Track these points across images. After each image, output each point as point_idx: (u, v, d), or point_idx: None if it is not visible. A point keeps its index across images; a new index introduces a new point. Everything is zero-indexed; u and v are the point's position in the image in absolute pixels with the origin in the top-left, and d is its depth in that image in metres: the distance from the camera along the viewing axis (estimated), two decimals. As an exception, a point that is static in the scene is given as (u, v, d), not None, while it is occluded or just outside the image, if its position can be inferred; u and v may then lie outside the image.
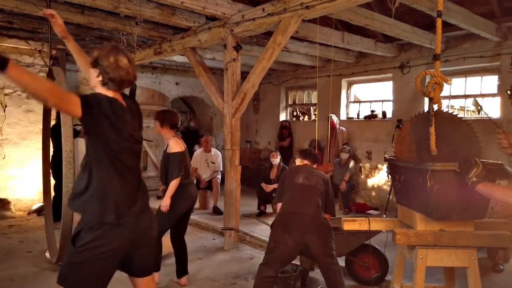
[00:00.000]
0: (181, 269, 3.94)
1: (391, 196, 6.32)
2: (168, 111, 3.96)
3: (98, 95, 1.98)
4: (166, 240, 5.25)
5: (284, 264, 3.26)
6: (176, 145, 3.76)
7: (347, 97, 8.60)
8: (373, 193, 7.82)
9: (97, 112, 1.89)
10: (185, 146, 3.87)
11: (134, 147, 2.12)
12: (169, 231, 3.93)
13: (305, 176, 3.42)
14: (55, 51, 7.12)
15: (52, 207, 6.09)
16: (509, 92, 2.75)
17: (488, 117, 3.08)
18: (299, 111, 10.36)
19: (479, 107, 2.62)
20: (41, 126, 7.62)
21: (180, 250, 3.95)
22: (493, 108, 6.75)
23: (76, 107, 1.80)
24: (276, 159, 6.80)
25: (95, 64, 2.01)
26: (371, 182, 7.87)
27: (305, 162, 3.65)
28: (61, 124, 2.22)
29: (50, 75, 2.80)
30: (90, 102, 1.86)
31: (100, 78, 2.02)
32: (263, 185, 6.75)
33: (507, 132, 2.27)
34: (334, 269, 3.14)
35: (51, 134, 6.10)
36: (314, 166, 3.67)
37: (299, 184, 3.39)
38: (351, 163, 7.43)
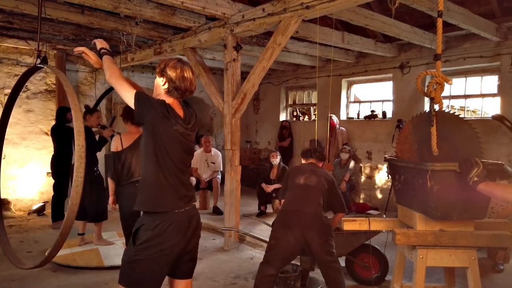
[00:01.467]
0: None
1: (391, 196, 6.32)
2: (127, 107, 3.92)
3: (151, 97, 2.20)
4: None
5: (285, 262, 3.26)
6: (112, 144, 3.82)
7: (347, 97, 8.60)
8: (373, 193, 7.82)
9: (147, 103, 2.10)
10: (129, 144, 3.85)
11: (184, 143, 2.20)
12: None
13: (308, 175, 3.44)
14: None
15: (52, 207, 6.10)
16: None
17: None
18: (299, 111, 10.36)
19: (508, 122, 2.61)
20: (41, 126, 7.66)
21: None
22: (493, 108, 6.76)
23: (130, 95, 2.11)
24: (276, 159, 6.80)
25: (162, 73, 2.20)
26: (371, 182, 7.87)
27: (310, 160, 3.67)
28: (73, 120, 2.26)
29: (28, 73, 2.82)
30: (141, 94, 2.13)
31: (166, 86, 2.20)
32: (263, 185, 6.75)
33: None
34: (334, 267, 3.14)
35: (51, 134, 6.11)
36: (320, 165, 3.68)
37: (301, 183, 3.41)
38: (351, 163, 7.42)
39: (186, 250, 2.19)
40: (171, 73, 2.17)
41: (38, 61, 2.68)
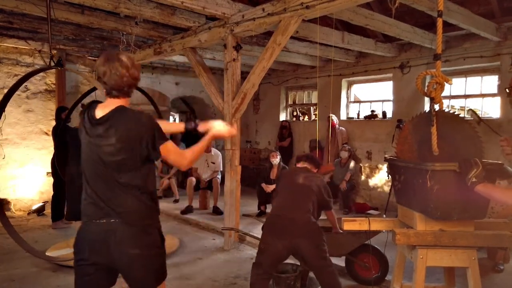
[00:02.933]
0: None
1: (391, 196, 6.32)
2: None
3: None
4: (166, 240, 5.26)
5: (275, 264, 3.29)
6: None
7: (347, 97, 8.60)
8: (373, 193, 7.82)
9: None
10: None
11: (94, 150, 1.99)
12: None
13: (299, 180, 3.42)
14: (55, 52, 7.13)
15: (52, 206, 6.10)
16: (507, 90, 2.72)
17: (487, 124, 3.10)
18: (299, 111, 10.36)
19: (476, 117, 2.62)
20: (41, 126, 7.66)
21: None
22: (493, 108, 6.76)
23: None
24: (276, 159, 6.79)
25: (97, 77, 2.03)
26: (371, 182, 7.87)
27: (305, 165, 3.66)
28: None
29: (34, 73, 2.85)
30: None
31: (104, 90, 2.03)
32: (263, 185, 6.75)
33: (510, 139, 2.27)
34: (329, 271, 3.14)
35: (52, 134, 6.11)
36: (314, 171, 3.66)
37: (291, 188, 3.40)
38: (352, 163, 7.43)
39: (115, 266, 1.99)
40: (100, 74, 1.98)
41: (52, 63, 2.69)
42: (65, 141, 5.39)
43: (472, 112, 2.64)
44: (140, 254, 1.97)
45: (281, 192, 3.46)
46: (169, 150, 2.03)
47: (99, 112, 2.00)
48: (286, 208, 3.27)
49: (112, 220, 1.94)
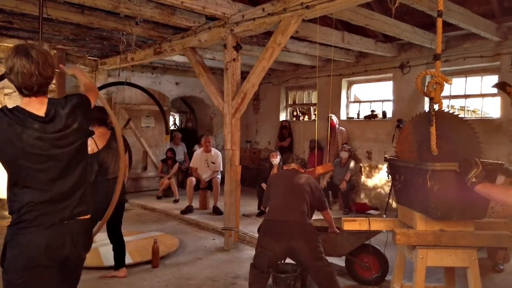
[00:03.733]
0: (119, 262, 4.07)
1: (391, 196, 6.32)
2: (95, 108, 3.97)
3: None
4: (166, 240, 5.27)
5: (272, 266, 3.32)
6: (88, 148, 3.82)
7: (347, 97, 8.60)
8: (373, 193, 7.82)
9: None
10: (103, 144, 3.95)
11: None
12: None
13: (291, 182, 3.44)
14: (55, 52, 7.13)
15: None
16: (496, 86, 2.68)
17: None
18: (299, 111, 10.36)
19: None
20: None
21: (117, 244, 4.07)
22: (493, 108, 6.76)
23: None
24: (276, 159, 6.79)
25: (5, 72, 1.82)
26: (371, 182, 7.87)
27: (292, 166, 3.67)
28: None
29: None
30: None
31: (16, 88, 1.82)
32: (263, 185, 6.73)
33: None
34: (326, 270, 3.16)
35: None
36: (302, 171, 3.68)
37: (284, 191, 3.42)
38: (352, 163, 7.43)
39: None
40: (7, 70, 1.78)
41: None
42: None
43: (505, 84, 2.52)
44: None
45: (274, 196, 3.47)
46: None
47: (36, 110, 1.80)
48: (280, 211, 3.30)
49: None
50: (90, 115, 2.06)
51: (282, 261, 3.51)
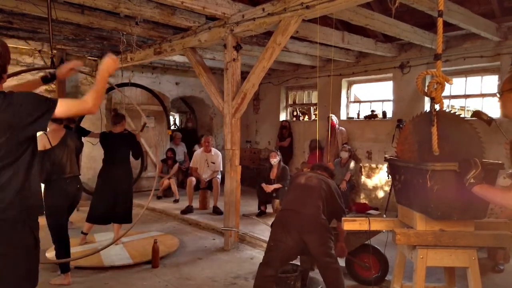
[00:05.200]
0: (63, 266, 3.84)
1: (391, 196, 6.32)
2: None
3: None
4: (166, 240, 5.27)
5: (284, 263, 3.28)
6: (39, 143, 3.77)
7: (347, 97, 8.60)
8: (373, 193, 7.82)
9: None
10: (57, 142, 3.89)
11: None
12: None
13: (308, 178, 3.47)
14: (55, 52, 7.13)
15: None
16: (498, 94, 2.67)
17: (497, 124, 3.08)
18: (299, 111, 10.36)
19: (486, 117, 2.61)
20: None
21: (60, 246, 3.88)
22: (493, 109, 6.75)
23: None
24: (276, 159, 6.79)
25: None
26: (371, 182, 7.87)
27: (318, 172, 3.70)
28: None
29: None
30: None
31: None
32: (263, 185, 6.74)
33: None
34: (333, 268, 3.14)
35: None
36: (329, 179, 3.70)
37: (301, 184, 3.44)
38: (352, 163, 7.42)
39: None
40: None
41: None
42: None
43: (480, 112, 2.58)
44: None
45: (291, 190, 3.50)
46: (62, 105, 1.92)
47: None
48: (296, 204, 3.30)
49: None
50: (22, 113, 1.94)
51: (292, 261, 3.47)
